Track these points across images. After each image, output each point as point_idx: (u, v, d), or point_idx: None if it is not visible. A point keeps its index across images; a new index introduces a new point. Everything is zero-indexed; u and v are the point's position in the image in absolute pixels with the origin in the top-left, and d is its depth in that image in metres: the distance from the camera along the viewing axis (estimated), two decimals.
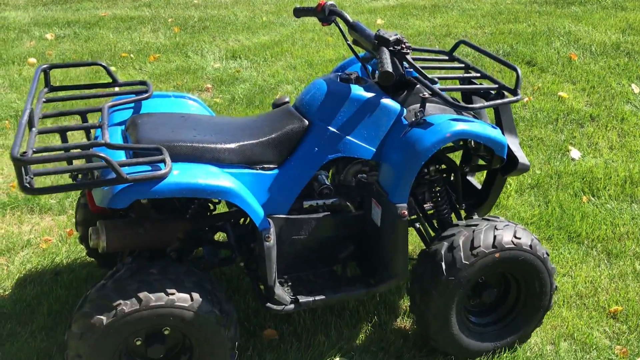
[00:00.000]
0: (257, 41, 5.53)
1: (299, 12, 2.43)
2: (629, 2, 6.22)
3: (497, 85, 2.16)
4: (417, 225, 2.38)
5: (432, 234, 2.31)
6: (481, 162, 2.39)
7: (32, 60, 5.07)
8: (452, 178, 2.37)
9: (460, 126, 1.97)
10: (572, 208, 3.01)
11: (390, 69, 1.79)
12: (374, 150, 2.06)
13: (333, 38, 5.52)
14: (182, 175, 1.70)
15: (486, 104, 2.08)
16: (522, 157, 2.19)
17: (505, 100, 2.09)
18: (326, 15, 2.30)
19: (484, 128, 2.03)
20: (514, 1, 6.57)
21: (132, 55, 5.18)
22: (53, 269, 2.61)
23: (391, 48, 1.95)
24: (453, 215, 2.33)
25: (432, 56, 2.51)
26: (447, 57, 2.45)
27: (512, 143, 2.20)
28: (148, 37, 5.68)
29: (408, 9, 6.38)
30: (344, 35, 2.29)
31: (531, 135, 3.77)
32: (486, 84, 2.23)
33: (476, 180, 2.54)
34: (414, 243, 2.66)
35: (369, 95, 2.05)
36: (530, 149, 3.58)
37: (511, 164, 2.19)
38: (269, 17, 6.29)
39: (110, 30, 5.89)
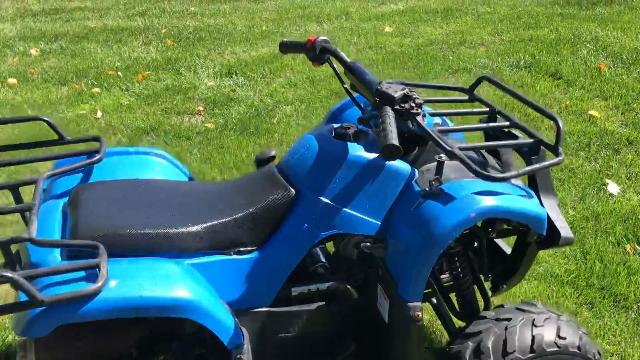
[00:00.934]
0: (256, 54, 5.11)
1: (286, 48, 2.00)
2: None
3: (531, 140, 1.73)
4: (434, 300, 1.95)
5: (450, 312, 1.89)
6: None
7: (12, 81, 4.69)
8: (475, 245, 1.94)
9: (488, 202, 1.53)
10: (615, 261, 2.56)
11: (395, 141, 1.36)
12: (379, 223, 1.64)
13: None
14: (121, 287, 1.28)
15: (523, 170, 1.64)
16: (564, 228, 1.74)
17: (545, 163, 1.65)
18: (317, 54, 1.88)
19: (518, 201, 1.59)
20: (533, 2, 6.09)
21: (119, 73, 4.78)
22: None
23: (397, 107, 1.52)
24: (476, 287, 1.91)
25: (449, 96, 2.08)
26: (466, 97, 2.02)
27: (552, 210, 1.76)
28: (138, 52, 5.28)
29: (418, 14, 5.93)
30: (340, 79, 1.87)
31: (561, 164, 3.31)
32: (516, 133, 1.80)
33: (504, 242, 2.10)
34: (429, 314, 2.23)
35: (371, 156, 1.62)
36: (560, 182, 3.13)
37: (551, 237, 1.75)
38: (269, 26, 5.87)
39: (99, 44, 5.50)
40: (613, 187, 3.09)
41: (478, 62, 4.62)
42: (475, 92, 2.03)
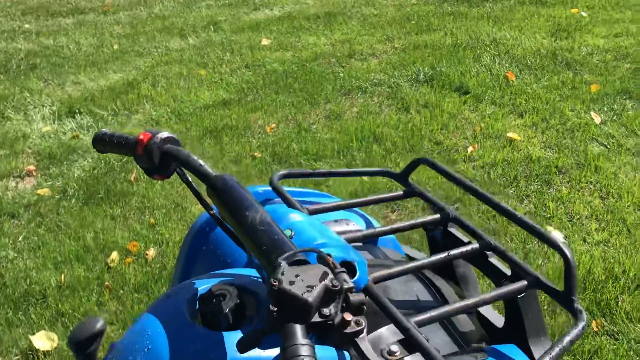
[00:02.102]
0: (105, 83, 4.14)
1: (104, 146, 1.16)
2: None
3: (520, 285, 1.04)
4: None
5: None
6: None
7: None
8: None
9: None
10: (586, 351, 1.99)
11: None
12: None
13: (208, 70, 4.25)
14: None
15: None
16: None
17: (569, 337, 0.97)
18: (157, 164, 1.06)
19: None
20: (420, 0, 5.58)
21: None
22: None
23: (319, 320, 0.75)
24: None
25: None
26: (401, 193, 1.31)
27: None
28: None
29: (298, 21, 5.20)
30: (201, 200, 1.09)
31: (486, 207, 2.74)
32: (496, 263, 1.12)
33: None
34: None
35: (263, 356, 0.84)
36: (495, 236, 2.55)
37: None
38: (122, 44, 4.89)
39: None
40: (557, 236, 2.54)
41: (372, 78, 3.98)
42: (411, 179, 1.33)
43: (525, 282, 1.02)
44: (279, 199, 1.24)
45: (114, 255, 2.48)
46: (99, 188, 2.94)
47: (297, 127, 3.48)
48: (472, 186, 1.18)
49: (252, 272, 0.95)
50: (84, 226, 2.67)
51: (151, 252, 2.49)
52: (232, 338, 0.78)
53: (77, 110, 3.75)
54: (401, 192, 1.28)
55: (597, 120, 3.37)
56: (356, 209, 1.35)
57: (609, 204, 2.70)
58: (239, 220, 0.86)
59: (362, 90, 3.85)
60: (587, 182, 2.86)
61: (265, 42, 4.75)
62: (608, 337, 2.04)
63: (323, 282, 0.71)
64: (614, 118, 3.37)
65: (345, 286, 0.72)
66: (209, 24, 5.34)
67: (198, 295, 0.89)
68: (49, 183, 3.04)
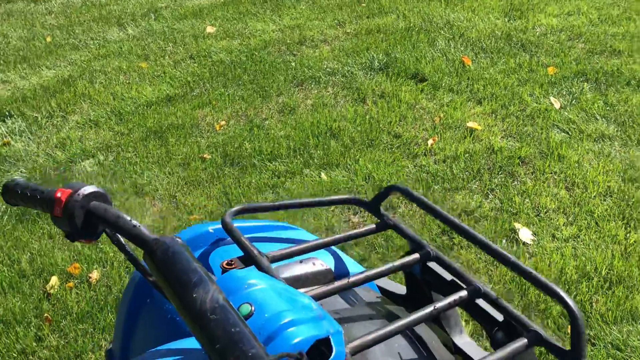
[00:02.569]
0: (38, 81, 3.83)
1: (14, 199, 0.95)
2: None
3: (521, 343, 0.91)
4: None
5: None
6: None
7: None
8: None
9: None
10: None
11: None
12: None
13: (150, 63, 3.98)
14: None
15: None
16: None
17: None
18: (80, 228, 0.87)
19: None
20: None
21: None
22: None
23: None
24: None
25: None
26: (374, 227, 1.15)
27: None
28: None
29: (244, 5, 4.95)
30: (138, 267, 0.91)
31: (453, 205, 2.63)
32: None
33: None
34: None
35: None
36: (455, 243, 2.44)
37: None
38: (56, 36, 4.54)
39: None
40: (525, 233, 2.45)
41: (325, 67, 3.80)
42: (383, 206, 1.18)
43: (525, 340, 0.89)
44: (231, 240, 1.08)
45: (54, 280, 2.25)
46: None
47: (248, 123, 3.28)
48: (454, 221, 1.04)
49: None
50: (18, 248, 2.43)
51: (95, 275, 2.27)
52: None
53: (7, 113, 3.44)
54: (374, 226, 1.13)
55: (557, 105, 3.29)
56: None
57: (575, 195, 2.63)
58: (184, 302, 0.68)
59: (316, 80, 3.67)
60: (551, 173, 2.78)
61: (210, 29, 4.50)
62: (590, 346, 1.95)
63: None
64: (573, 102, 3.30)
65: None
66: (149, 12, 5.03)
67: None
68: None
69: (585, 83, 3.48)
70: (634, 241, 2.33)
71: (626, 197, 2.58)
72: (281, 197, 2.68)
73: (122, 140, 3.17)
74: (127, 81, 3.79)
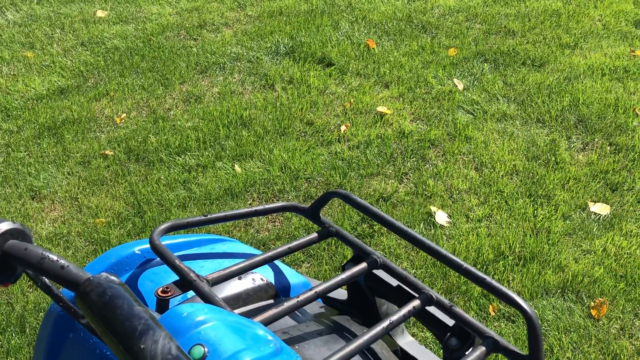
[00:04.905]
0: None
1: None
2: None
3: (482, 349, 0.90)
4: None
5: None
6: None
7: None
8: None
9: None
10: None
11: None
12: None
13: (36, 52, 3.66)
14: None
15: None
16: None
17: None
18: None
19: None
20: None
21: None
22: None
23: None
24: None
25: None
26: (315, 236, 1.10)
27: None
28: None
29: None
30: (68, 309, 0.80)
31: (370, 191, 2.63)
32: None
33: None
34: None
35: None
36: (374, 230, 2.44)
37: None
38: None
39: None
40: (441, 216, 2.50)
41: (229, 52, 3.67)
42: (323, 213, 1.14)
43: (484, 348, 0.88)
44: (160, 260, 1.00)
45: None
46: None
47: (152, 114, 3.10)
48: (401, 227, 1.01)
49: None
50: None
51: None
52: None
53: None
54: (315, 234, 1.08)
55: (460, 86, 3.38)
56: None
57: (484, 175, 2.72)
58: (129, 354, 0.59)
59: (220, 66, 3.53)
60: (460, 154, 2.85)
61: (101, 13, 4.20)
62: (506, 321, 2.03)
63: None
64: (475, 83, 3.41)
65: None
66: None
67: None
68: None
69: (485, 64, 3.60)
70: (542, 217, 2.45)
71: (531, 174, 2.70)
72: (194, 193, 2.56)
73: (12, 139, 2.90)
74: (12, 73, 3.46)
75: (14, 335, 1.93)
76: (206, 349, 0.65)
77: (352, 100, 3.21)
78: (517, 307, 0.88)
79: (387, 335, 1.11)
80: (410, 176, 2.72)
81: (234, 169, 2.70)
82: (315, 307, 1.14)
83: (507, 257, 2.26)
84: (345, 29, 3.95)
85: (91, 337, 0.99)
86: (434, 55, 3.70)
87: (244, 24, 4.07)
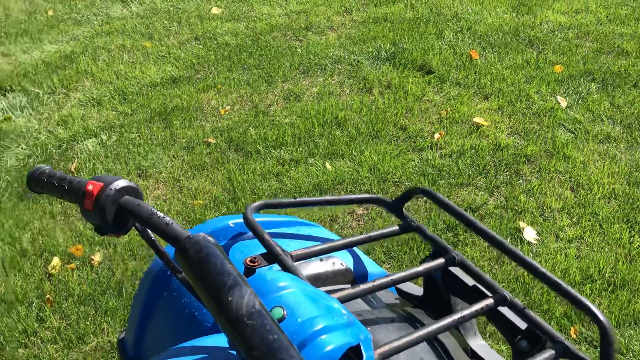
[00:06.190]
0: (40, 56, 3.77)
1: (40, 187, 0.93)
2: None
3: (552, 353, 0.91)
4: None
5: None
6: None
7: None
8: None
9: None
10: None
11: None
12: None
13: (154, 42, 3.93)
14: None
15: None
16: None
17: None
18: (109, 221, 0.85)
19: None
20: None
21: None
22: None
23: None
24: None
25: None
26: (396, 228, 1.14)
27: None
28: None
29: None
30: (168, 264, 0.90)
31: (458, 201, 2.63)
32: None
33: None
34: None
35: None
36: (458, 240, 2.43)
37: None
38: (57, 10, 4.47)
39: None
40: (530, 233, 2.46)
41: (332, 54, 3.77)
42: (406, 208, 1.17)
43: (552, 352, 0.89)
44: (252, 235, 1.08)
45: (55, 260, 2.23)
46: None
47: (253, 109, 3.25)
48: (482, 227, 1.03)
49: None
50: (19, 227, 2.40)
51: (97, 257, 2.25)
52: None
53: (7, 88, 3.39)
54: (397, 227, 1.11)
55: (563, 104, 3.28)
56: None
57: (580, 196, 2.63)
58: (219, 305, 0.66)
59: (322, 68, 3.64)
60: (556, 172, 2.78)
61: (215, 11, 4.44)
62: (587, 345, 1.97)
63: None
64: (580, 102, 3.30)
65: None
66: None
67: None
68: None
69: (592, 83, 3.47)
70: (638, 245, 2.34)
71: (631, 200, 2.59)
72: (285, 185, 2.66)
73: (126, 120, 3.14)
74: (131, 60, 3.74)
75: (112, 297, 2.10)
76: (285, 312, 0.71)
77: (448, 109, 3.20)
78: (591, 314, 0.88)
79: (459, 334, 1.13)
80: (501, 190, 2.68)
81: (324, 166, 2.78)
82: (390, 298, 1.18)
83: (596, 281, 2.19)
84: (449, 38, 3.94)
85: (182, 297, 1.08)
86: (539, 70, 3.61)
87: (349, 28, 4.16)
